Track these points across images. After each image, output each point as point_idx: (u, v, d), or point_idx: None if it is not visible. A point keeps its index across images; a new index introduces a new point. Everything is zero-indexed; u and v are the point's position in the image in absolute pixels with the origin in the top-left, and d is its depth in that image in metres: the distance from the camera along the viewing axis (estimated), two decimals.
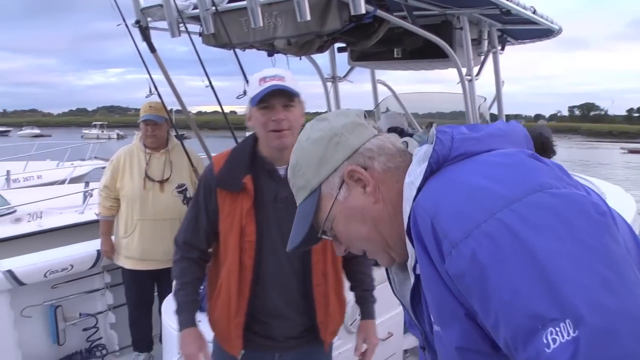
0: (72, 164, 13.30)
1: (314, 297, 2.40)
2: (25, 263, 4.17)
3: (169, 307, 3.50)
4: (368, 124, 1.31)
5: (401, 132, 4.48)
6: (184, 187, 4.10)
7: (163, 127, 4.43)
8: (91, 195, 7.82)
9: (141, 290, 4.52)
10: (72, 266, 4.32)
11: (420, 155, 1.16)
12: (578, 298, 0.84)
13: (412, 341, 4.06)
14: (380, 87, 5.77)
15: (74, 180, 11.85)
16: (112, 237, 4.52)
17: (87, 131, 65.18)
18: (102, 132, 64.74)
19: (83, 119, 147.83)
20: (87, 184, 8.68)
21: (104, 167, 12.84)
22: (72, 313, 4.48)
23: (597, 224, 0.92)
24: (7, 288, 4.02)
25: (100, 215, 4.55)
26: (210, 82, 4.13)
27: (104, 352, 4.65)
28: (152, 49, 3.89)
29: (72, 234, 6.29)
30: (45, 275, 4.19)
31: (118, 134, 61.54)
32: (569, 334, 0.83)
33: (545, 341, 0.85)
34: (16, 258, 4.25)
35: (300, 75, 2.39)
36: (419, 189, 1.11)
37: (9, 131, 76.08)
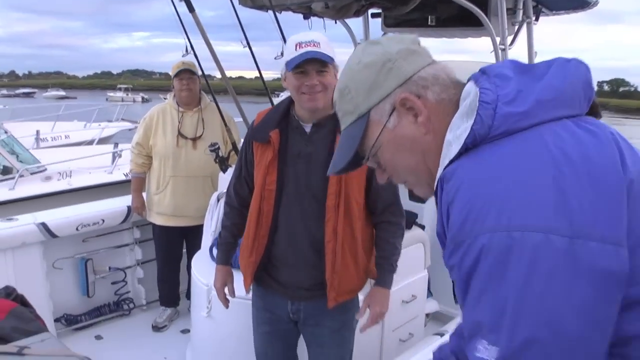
0: (99, 125, 13.42)
1: (324, 252, 2.47)
2: (58, 216, 4.27)
3: (198, 262, 3.61)
4: (423, 52, 1.27)
5: None
6: (216, 146, 4.11)
7: (197, 82, 4.45)
8: (120, 156, 7.96)
9: (171, 247, 4.60)
10: (103, 220, 4.42)
11: (466, 105, 1.15)
12: (511, 333, 0.96)
13: (434, 306, 4.14)
14: None
15: (102, 141, 12.00)
16: (144, 194, 4.59)
17: (112, 94, 65.55)
18: (127, 95, 64.96)
19: (108, 82, 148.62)
20: (116, 144, 8.78)
21: (130, 129, 13.11)
22: (101, 267, 4.60)
23: (560, 285, 0.95)
24: (41, 240, 4.12)
25: (132, 172, 4.61)
26: (248, 43, 4.21)
27: (131, 305, 4.79)
28: (191, 8, 3.93)
29: (101, 193, 6.42)
30: (77, 229, 4.29)
31: (143, 97, 61.71)
32: (489, 355, 0.98)
33: (477, 346, 1.00)
34: (49, 211, 4.36)
35: (332, 42, 2.44)
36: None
37: (34, 93, 76.63)
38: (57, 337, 2.52)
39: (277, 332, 2.75)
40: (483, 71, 1.19)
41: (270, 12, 3.74)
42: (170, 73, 4.46)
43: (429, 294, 4.02)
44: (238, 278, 2.79)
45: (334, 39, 2.60)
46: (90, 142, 11.80)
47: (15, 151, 7.76)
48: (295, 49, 2.36)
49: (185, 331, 4.50)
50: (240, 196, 2.73)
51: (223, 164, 4.12)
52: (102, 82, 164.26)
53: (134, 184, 4.59)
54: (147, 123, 4.47)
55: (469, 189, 1.06)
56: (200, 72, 4.48)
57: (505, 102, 1.09)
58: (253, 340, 2.85)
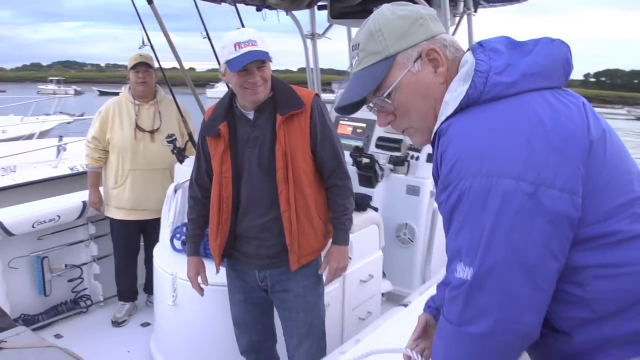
0: (37, 118, 13.12)
1: (282, 221, 2.72)
2: (13, 214, 4.26)
3: (159, 253, 3.69)
4: (439, 23, 1.53)
5: None
6: (173, 137, 4.17)
7: (153, 75, 4.47)
8: (65, 149, 7.86)
9: (130, 241, 4.63)
10: (59, 217, 4.42)
11: (464, 72, 1.40)
12: (483, 256, 1.25)
13: (387, 285, 4.32)
14: None
15: (41, 135, 11.76)
16: (100, 189, 4.60)
17: (43, 86, 63.51)
18: (59, 87, 63.06)
19: (38, 74, 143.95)
20: (60, 137, 8.64)
21: (69, 122, 12.83)
22: (57, 264, 4.59)
23: (524, 219, 1.24)
24: None
25: (89, 167, 4.58)
26: (208, 34, 4.36)
27: (88, 302, 4.80)
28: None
29: (48, 188, 6.36)
30: (33, 226, 4.28)
31: (75, 90, 60.13)
32: (466, 274, 1.28)
33: (457, 267, 1.30)
34: (3, 209, 4.33)
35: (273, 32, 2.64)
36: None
37: None
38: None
39: (251, 300, 2.98)
40: (480, 44, 1.44)
41: (224, 4, 3.82)
42: (127, 65, 4.47)
43: (383, 274, 4.20)
44: (209, 266, 3.01)
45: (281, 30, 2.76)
46: (29, 137, 11.55)
47: None
48: (235, 49, 2.55)
49: (145, 324, 4.56)
50: (202, 187, 2.95)
51: (180, 155, 4.20)
52: (31, 74, 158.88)
53: (90, 179, 4.58)
54: (103, 117, 4.45)
55: (458, 141, 1.32)
56: (157, 65, 4.51)
57: (496, 72, 1.35)
58: (230, 310, 3.07)
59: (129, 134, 4.37)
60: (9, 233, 4.14)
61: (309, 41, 5.59)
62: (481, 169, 1.26)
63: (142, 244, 4.76)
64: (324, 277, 2.96)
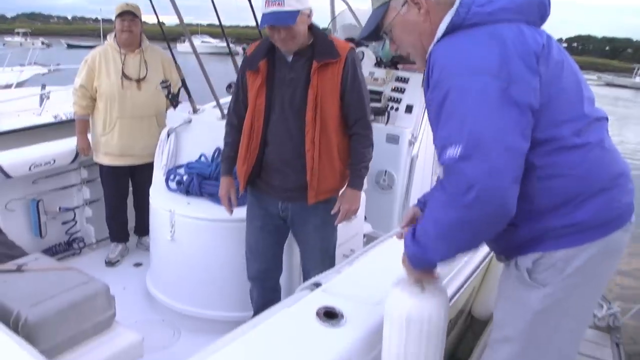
0: (12, 69, 13.02)
1: (305, 159, 2.96)
2: (10, 157, 4.41)
3: (156, 193, 3.90)
4: None
5: (357, 43, 4.84)
6: (167, 83, 4.34)
7: (138, 25, 4.55)
8: (48, 98, 7.90)
9: (119, 185, 4.78)
10: (54, 160, 4.59)
11: (453, 7, 1.76)
12: (469, 135, 1.58)
13: (368, 227, 4.56)
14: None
15: (18, 85, 11.70)
16: (88, 135, 4.73)
17: (9, 39, 61.82)
18: (26, 40, 61.41)
19: (2, 26, 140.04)
20: (43, 86, 8.64)
21: (44, 74, 12.74)
22: (52, 207, 4.77)
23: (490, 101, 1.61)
24: None
25: (76, 114, 4.70)
26: None
27: (81, 244, 5.00)
28: None
29: (31, 136, 6.42)
30: (30, 169, 4.44)
31: (43, 42, 58.57)
32: (455, 152, 1.59)
33: (447, 151, 1.62)
34: (1, 153, 4.47)
35: None
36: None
37: None
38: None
39: (268, 227, 3.25)
40: None
41: None
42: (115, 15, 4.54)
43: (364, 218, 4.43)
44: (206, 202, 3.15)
45: None
46: (8, 86, 11.49)
47: None
48: (265, 6, 2.81)
49: (138, 264, 4.78)
50: (238, 116, 3.19)
51: (175, 100, 4.35)
52: None
53: (78, 126, 4.71)
54: (90, 65, 4.54)
55: (445, 52, 1.73)
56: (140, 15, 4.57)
57: (478, 5, 1.73)
58: (245, 236, 3.33)
59: (115, 82, 4.47)
60: (6, 175, 4.29)
61: None
62: (464, 70, 1.64)
63: (130, 188, 4.92)
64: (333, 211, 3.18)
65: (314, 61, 2.91)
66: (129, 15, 4.49)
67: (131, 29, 4.51)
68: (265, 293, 3.41)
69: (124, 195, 4.88)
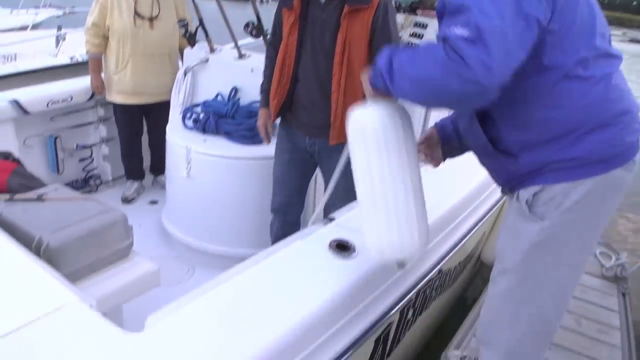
0: (26, 11, 12.95)
1: (331, 99, 3.00)
2: (28, 93, 4.45)
3: (172, 130, 3.95)
4: None
5: None
6: (185, 22, 4.35)
7: None
8: (64, 39, 7.90)
9: (132, 123, 4.80)
10: (71, 97, 4.62)
11: None
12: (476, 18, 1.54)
13: None
14: None
15: (34, 27, 11.67)
16: (102, 74, 4.73)
17: None
18: None
19: None
20: (59, 27, 8.61)
21: (59, 16, 12.68)
22: (69, 144, 4.82)
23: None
24: (13, 117, 4.30)
25: (89, 53, 4.69)
26: None
27: (98, 182, 5.07)
28: None
29: (48, 76, 6.42)
30: (47, 105, 4.48)
31: None
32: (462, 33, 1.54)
33: (453, 28, 1.55)
34: (19, 90, 4.51)
35: None
36: None
37: None
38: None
39: (295, 161, 3.33)
40: None
41: None
42: None
43: None
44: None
45: None
46: (23, 28, 11.45)
47: None
48: None
49: (154, 202, 4.85)
50: (276, 50, 3.22)
51: (192, 39, 4.36)
52: None
53: (92, 65, 4.70)
54: (102, 3, 4.50)
55: None
56: None
57: None
58: (273, 168, 3.40)
59: (128, 20, 4.44)
60: (24, 111, 4.33)
61: None
62: None
63: (145, 127, 4.95)
64: None
65: (345, 5, 2.92)
66: None
67: None
68: (286, 226, 3.46)
69: (138, 133, 4.91)
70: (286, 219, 3.48)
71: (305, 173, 3.42)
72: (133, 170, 4.98)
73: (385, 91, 1.85)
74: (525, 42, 1.57)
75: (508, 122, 1.83)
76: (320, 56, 3.02)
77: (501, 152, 1.88)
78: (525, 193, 1.87)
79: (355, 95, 2.97)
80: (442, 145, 2.33)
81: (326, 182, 3.34)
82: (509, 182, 1.96)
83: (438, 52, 1.59)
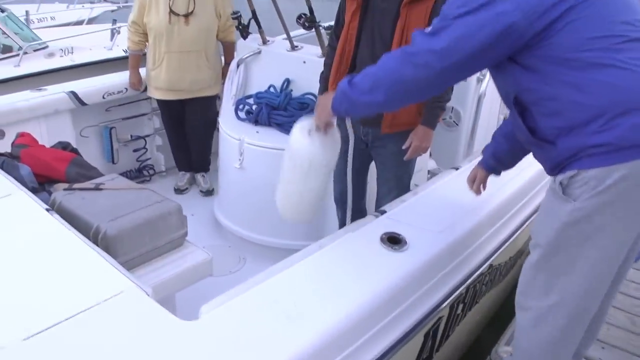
0: (82, 6, 13.26)
1: None
2: (85, 85, 4.56)
3: (225, 121, 4.02)
4: None
5: None
6: (238, 14, 4.38)
7: None
8: (119, 33, 8.06)
9: (173, 118, 4.88)
10: (126, 89, 4.72)
11: None
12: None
13: (433, 164, 4.57)
14: None
15: (89, 22, 11.95)
16: (142, 70, 4.79)
17: None
18: None
19: None
20: (114, 21, 8.79)
21: (113, 10, 12.93)
22: (124, 135, 4.92)
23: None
24: (70, 108, 4.42)
25: (129, 49, 4.78)
26: None
27: (151, 172, 5.17)
28: None
29: (104, 69, 6.58)
30: (103, 97, 4.58)
31: None
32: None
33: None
34: (75, 82, 4.63)
35: None
36: None
37: None
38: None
39: (353, 149, 3.22)
40: None
41: None
42: None
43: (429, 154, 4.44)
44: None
45: None
46: (78, 23, 11.74)
47: (17, 29, 7.83)
48: None
49: (206, 192, 4.92)
50: (338, 38, 3.22)
51: (245, 31, 4.40)
52: None
53: (131, 61, 4.77)
54: (141, 1, 4.55)
55: None
56: None
57: None
58: None
59: (163, 17, 4.44)
60: (82, 103, 4.44)
61: None
62: None
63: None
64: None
65: None
66: None
67: None
68: (351, 215, 3.46)
69: (181, 126, 4.93)
70: (346, 208, 3.46)
71: (363, 162, 3.41)
72: (182, 161, 5.06)
73: (344, 113, 2.27)
74: (480, 34, 1.78)
75: (540, 111, 1.90)
76: (378, 44, 3.02)
77: (541, 140, 1.94)
78: (562, 176, 1.89)
79: None
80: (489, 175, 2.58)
81: (378, 171, 3.35)
82: (554, 170, 1.97)
83: (397, 51, 1.97)
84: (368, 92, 2.05)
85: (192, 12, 4.48)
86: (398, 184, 3.31)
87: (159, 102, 4.81)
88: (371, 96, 2.05)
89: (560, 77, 1.79)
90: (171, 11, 4.44)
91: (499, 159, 2.50)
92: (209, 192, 4.94)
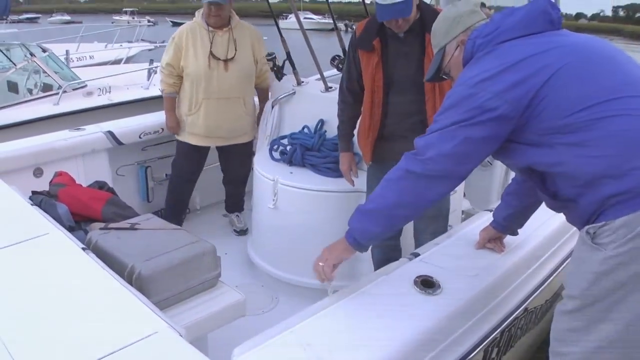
0: (120, 45, 13.64)
1: (427, 124, 2.95)
2: (122, 125, 4.65)
3: (260, 162, 4.04)
4: (481, 12, 2.20)
5: None
6: (273, 56, 4.40)
7: (227, 7, 4.37)
8: (155, 72, 8.24)
9: (195, 165, 4.78)
10: (162, 129, 4.78)
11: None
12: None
13: (467, 204, 4.54)
14: None
15: (127, 61, 12.27)
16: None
17: (117, 17, 64.39)
18: (133, 18, 63.73)
19: (110, 6, 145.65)
20: (151, 61, 9.01)
21: (150, 49, 13.25)
22: (159, 174, 5.00)
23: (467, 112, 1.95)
24: (107, 147, 4.51)
25: (164, 92, 4.61)
26: None
27: (186, 210, 5.20)
28: None
29: (140, 108, 6.72)
30: (140, 137, 4.67)
31: (149, 21, 60.54)
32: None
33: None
34: (113, 121, 4.73)
35: None
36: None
37: (38, 18, 75.25)
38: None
39: None
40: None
41: None
42: None
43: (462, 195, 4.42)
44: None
45: None
46: (116, 62, 12.06)
47: (57, 68, 8.08)
48: None
49: (240, 232, 4.94)
50: (353, 93, 3.33)
51: (279, 73, 4.45)
52: (104, 5, 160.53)
53: (167, 104, 4.62)
54: (177, 43, 4.43)
55: (463, 74, 2.06)
56: None
57: (482, 36, 2.05)
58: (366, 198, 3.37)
59: (203, 62, 4.34)
60: (119, 142, 4.53)
61: None
62: (475, 80, 1.95)
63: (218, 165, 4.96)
64: None
65: (425, 33, 2.97)
66: (216, 5, 4.29)
67: (219, 13, 4.34)
68: (387, 252, 3.46)
69: (196, 175, 4.88)
70: (382, 245, 3.46)
71: None
72: (174, 211, 4.90)
73: (358, 246, 2.28)
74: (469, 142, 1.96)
75: (555, 175, 1.95)
76: (409, 86, 3.08)
77: (564, 201, 1.98)
78: (591, 228, 1.89)
79: None
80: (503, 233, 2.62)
81: None
82: (580, 225, 1.99)
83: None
84: (384, 208, 2.19)
85: (232, 57, 4.41)
86: (436, 217, 3.32)
87: (188, 146, 4.65)
88: (388, 210, 2.19)
89: (562, 141, 1.86)
90: (212, 55, 4.37)
91: (511, 218, 2.56)
92: (242, 232, 4.92)
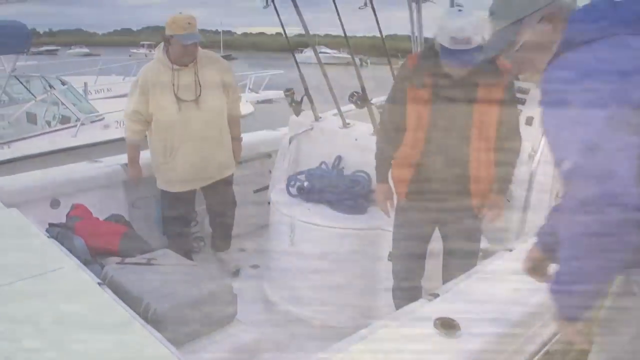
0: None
1: (469, 170, 3.06)
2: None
3: (277, 198, 4.01)
4: None
5: None
6: (290, 91, 4.41)
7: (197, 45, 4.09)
8: None
9: (183, 211, 4.53)
10: None
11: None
12: None
13: (484, 243, 4.48)
14: None
15: None
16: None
17: (135, 50, 65.35)
18: (150, 51, 64.55)
19: (128, 39, 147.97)
20: None
21: None
22: None
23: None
24: (124, 180, 4.51)
25: (128, 139, 4.38)
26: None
27: (202, 244, 5.14)
28: None
29: None
30: None
31: None
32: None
33: None
34: None
35: None
36: None
37: (57, 50, 76.47)
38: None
39: (415, 229, 3.29)
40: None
41: None
42: (170, 29, 4.00)
43: None
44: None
45: None
46: None
47: (75, 101, 8.19)
48: (450, 42, 2.79)
49: (255, 266, 4.80)
50: (396, 129, 3.17)
51: (298, 108, 4.45)
52: (123, 39, 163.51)
53: (130, 152, 4.38)
54: (142, 88, 4.11)
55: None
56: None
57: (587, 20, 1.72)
58: (393, 235, 3.37)
59: (172, 107, 4.06)
60: None
61: (413, 5, 5.57)
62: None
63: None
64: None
65: (478, 81, 2.94)
66: (195, 45, 4.05)
67: (195, 52, 4.10)
68: (409, 291, 3.39)
69: (189, 220, 4.70)
70: (407, 285, 3.41)
71: (424, 240, 3.36)
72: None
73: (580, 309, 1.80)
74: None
75: None
76: (454, 130, 3.03)
77: None
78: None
79: (489, 165, 3.06)
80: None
81: (445, 242, 3.32)
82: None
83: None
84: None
85: (200, 94, 4.11)
86: (467, 253, 3.28)
87: (169, 194, 4.41)
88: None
89: None
90: (178, 98, 4.07)
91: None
92: (237, 273, 4.69)
